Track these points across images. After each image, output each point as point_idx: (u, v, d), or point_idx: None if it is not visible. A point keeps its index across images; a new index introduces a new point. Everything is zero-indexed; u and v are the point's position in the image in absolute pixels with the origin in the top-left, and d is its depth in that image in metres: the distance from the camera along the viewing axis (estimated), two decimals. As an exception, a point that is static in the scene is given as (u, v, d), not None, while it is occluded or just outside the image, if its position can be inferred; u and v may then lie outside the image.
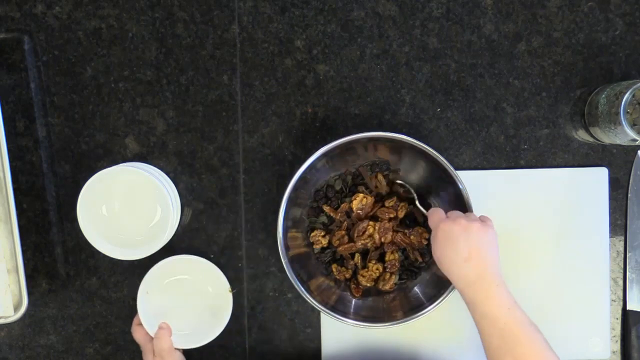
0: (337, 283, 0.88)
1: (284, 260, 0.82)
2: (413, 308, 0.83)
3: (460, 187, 0.81)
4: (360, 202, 0.86)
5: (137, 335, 0.86)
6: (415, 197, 0.86)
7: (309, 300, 0.82)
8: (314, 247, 0.88)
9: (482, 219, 0.77)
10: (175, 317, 0.86)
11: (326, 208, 0.87)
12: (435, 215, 0.79)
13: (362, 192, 0.86)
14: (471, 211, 0.81)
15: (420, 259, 0.87)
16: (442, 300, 0.81)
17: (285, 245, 0.83)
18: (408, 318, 0.82)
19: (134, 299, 0.90)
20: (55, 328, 0.91)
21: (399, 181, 0.87)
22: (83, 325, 0.91)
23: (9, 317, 0.85)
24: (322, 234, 0.87)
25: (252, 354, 0.91)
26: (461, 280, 0.74)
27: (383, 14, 0.89)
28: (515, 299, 0.73)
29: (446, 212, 0.80)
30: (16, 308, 0.85)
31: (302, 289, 0.82)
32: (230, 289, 0.86)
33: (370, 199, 0.86)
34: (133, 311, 0.90)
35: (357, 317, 0.83)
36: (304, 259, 0.87)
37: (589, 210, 0.90)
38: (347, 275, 0.87)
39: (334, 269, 0.88)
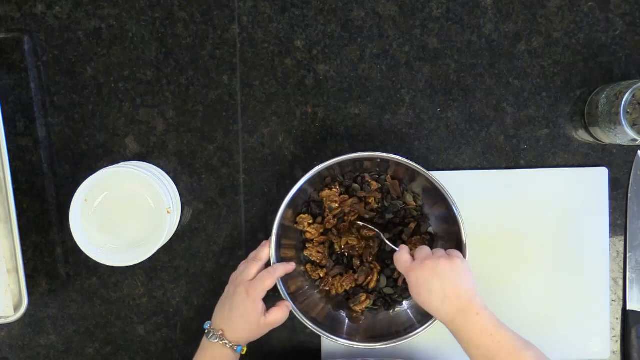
0: (329, 296, 0.87)
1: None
2: (405, 328, 0.84)
3: (453, 206, 0.80)
4: (329, 196, 0.85)
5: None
6: (382, 235, 0.84)
7: (298, 316, 0.82)
8: (301, 230, 0.86)
9: (449, 253, 0.77)
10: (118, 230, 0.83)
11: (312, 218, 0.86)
12: (401, 261, 0.77)
13: (332, 187, 0.85)
14: (463, 227, 0.80)
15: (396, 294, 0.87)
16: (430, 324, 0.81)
17: (278, 243, 0.83)
18: (399, 339, 0.82)
19: (134, 299, 0.90)
20: (55, 328, 0.91)
21: (360, 223, 0.85)
22: (83, 325, 0.91)
23: (9, 317, 0.85)
24: (310, 220, 0.85)
25: (252, 354, 0.91)
26: (442, 318, 0.74)
27: (383, 14, 0.89)
28: (500, 320, 0.73)
29: (443, 233, 0.79)
30: (16, 308, 0.85)
31: (284, 291, 0.81)
32: (168, 209, 0.81)
33: (334, 191, 0.85)
34: (133, 311, 0.90)
35: (349, 337, 0.83)
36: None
37: (589, 210, 0.90)
38: (322, 274, 0.87)
39: (308, 269, 0.87)
